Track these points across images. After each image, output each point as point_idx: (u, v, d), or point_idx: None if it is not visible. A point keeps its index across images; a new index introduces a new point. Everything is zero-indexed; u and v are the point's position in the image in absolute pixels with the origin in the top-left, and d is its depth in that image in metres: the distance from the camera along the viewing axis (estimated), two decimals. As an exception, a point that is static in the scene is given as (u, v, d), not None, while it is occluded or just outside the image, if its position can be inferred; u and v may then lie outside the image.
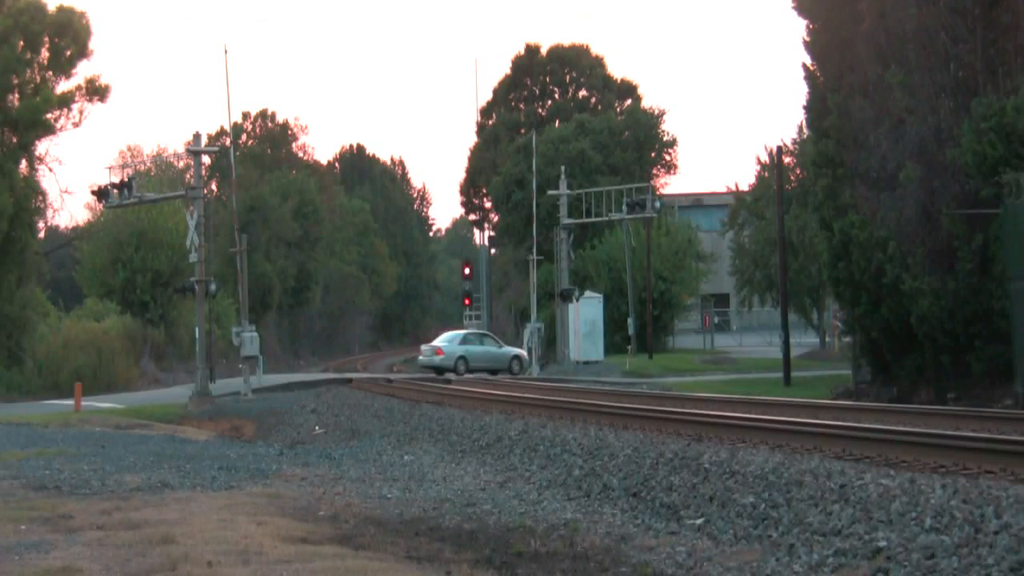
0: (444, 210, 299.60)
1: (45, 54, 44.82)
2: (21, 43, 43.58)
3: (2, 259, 43.34)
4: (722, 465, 11.73)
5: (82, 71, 45.66)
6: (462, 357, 35.85)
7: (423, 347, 40.54)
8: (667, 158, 69.77)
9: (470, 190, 79.56)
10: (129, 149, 72.49)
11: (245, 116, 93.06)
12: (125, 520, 11.12)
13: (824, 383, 31.93)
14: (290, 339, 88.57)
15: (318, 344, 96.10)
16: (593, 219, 45.48)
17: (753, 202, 57.03)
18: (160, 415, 28.12)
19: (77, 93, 45.01)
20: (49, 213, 48.73)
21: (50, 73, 44.86)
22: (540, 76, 76.50)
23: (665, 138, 69.27)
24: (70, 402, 31.86)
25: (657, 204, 43.65)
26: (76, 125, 45.26)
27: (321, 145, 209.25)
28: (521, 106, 76.56)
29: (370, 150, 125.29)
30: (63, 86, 45.13)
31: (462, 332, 40.64)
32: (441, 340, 39.67)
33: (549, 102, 75.99)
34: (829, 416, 16.85)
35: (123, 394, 39.91)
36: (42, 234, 55.25)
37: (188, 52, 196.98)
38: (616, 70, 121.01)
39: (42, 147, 45.75)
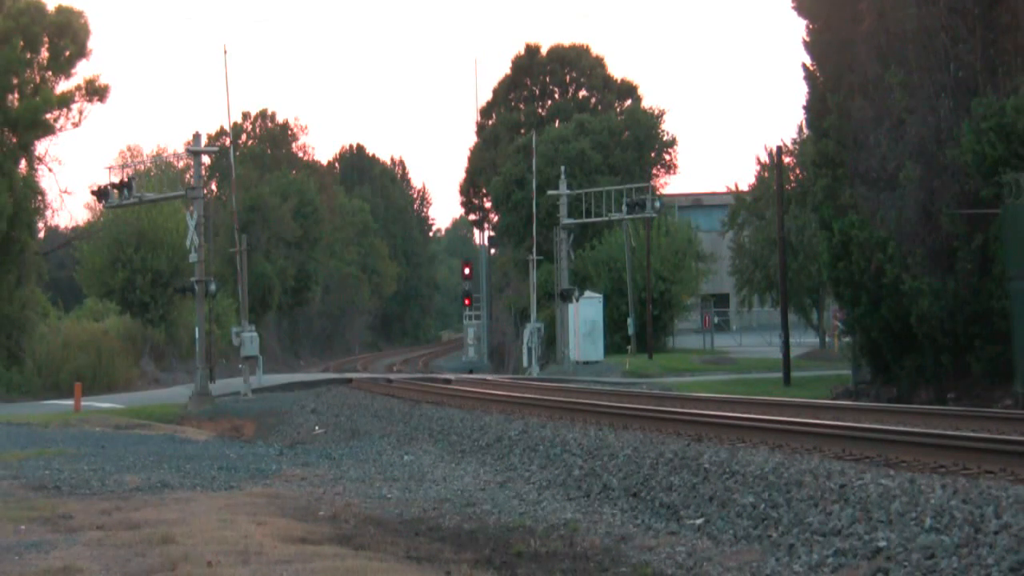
0: (444, 210, 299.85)
1: (45, 54, 44.87)
2: (21, 43, 43.62)
3: (1, 259, 43.34)
4: (722, 465, 11.73)
5: (81, 71, 45.83)
6: None
7: None
8: (667, 158, 69.70)
9: (470, 190, 79.51)
10: (129, 149, 72.52)
11: (245, 116, 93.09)
12: (125, 520, 11.11)
13: (824, 383, 31.89)
14: (290, 339, 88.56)
15: (318, 344, 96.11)
16: (593, 219, 45.47)
17: (753, 202, 56.95)
18: (160, 415, 28.11)
19: (77, 93, 45.05)
20: (48, 213, 48.78)
21: (50, 73, 44.90)
22: (540, 76, 76.42)
23: (665, 138, 69.19)
24: (70, 402, 31.86)
25: (657, 204, 43.64)
26: (76, 125, 45.34)
27: (321, 145, 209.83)
28: (521, 106, 76.47)
29: (370, 150, 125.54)
30: (63, 86, 45.23)
31: None
32: None
33: (549, 102, 75.91)
34: (829, 416, 16.85)
35: (123, 394, 39.91)
36: (42, 234, 55.24)
37: (188, 52, 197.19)
38: (616, 70, 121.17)
39: (42, 147, 45.85)
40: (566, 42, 78.26)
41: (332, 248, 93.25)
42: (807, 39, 30.08)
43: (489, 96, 79.55)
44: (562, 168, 47.20)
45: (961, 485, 9.36)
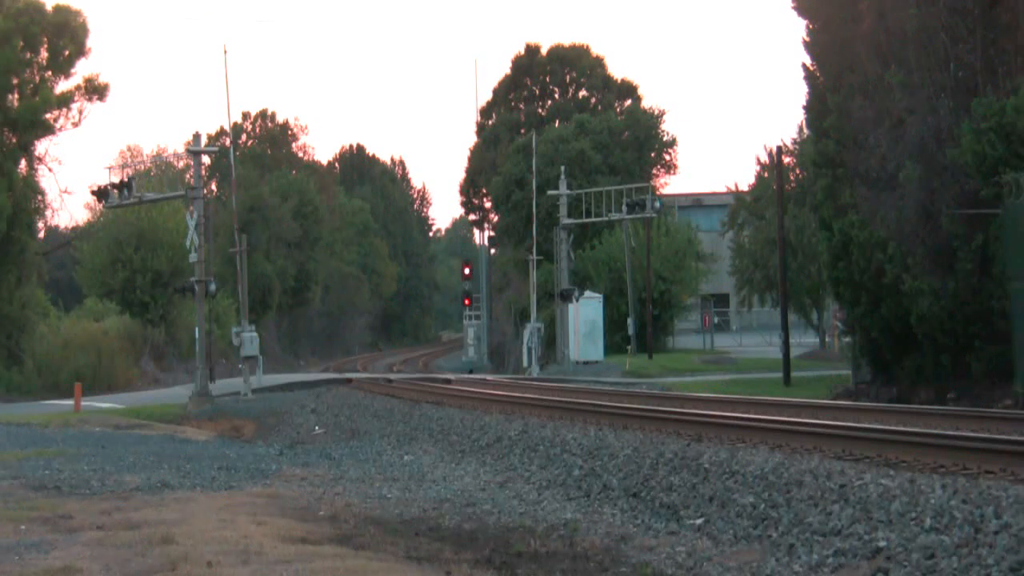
0: (444, 210, 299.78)
1: (44, 54, 44.87)
2: (20, 43, 43.63)
3: (1, 259, 43.35)
4: (722, 465, 11.72)
5: (81, 70, 45.84)
6: None
7: None
8: (667, 158, 69.74)
9: (470, 190, 79.50)
10: (129, 149, 72.66)
11: (245, 116, 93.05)
12: (125, 520, 11.11)
13: (824, 383, 31.88)
14: (290, 339, 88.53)
15: (318, 344, 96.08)
16: (593, 219, 45.47)
17: (753, 202, 56.99)
18: (160, 415, 28.10)
19: (76, 93, 45.06)
20: (48, 213, 48.81)
21: (49, 73, 44.91)
22: (540, 76, 76.43)
23: (665, 138, 69.23)
24: (70, 402, 31.86)
25: (657, 204, 43.64)
26: (75, 125, 45.35)
27: (321, 145, 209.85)
28: (521, 106, 76.48)
29: (370, 150, 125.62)
30: (62, 86, 45.24)
31: None
32: None
33: (549, 102, 75.91)
34: (829, 416, 16.84)
35: (123, 394, 39.91)
36: (42, 234, 55.29)
37: (188, 52, 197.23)
38: (616, 70, 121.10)
39: (41, 147, 45.87)
40: (566, 42, 78.28)
41: (332, 248, 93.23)
42: (807, 39, 30.07)
43: (489, 96, 79.64)
44: (562, 168, 47.20)
45: (961, 485, 9.36)
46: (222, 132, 77.53)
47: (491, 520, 11.54)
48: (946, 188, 24.71)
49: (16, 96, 44.06)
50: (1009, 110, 22.97)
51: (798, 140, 51.12)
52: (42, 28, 44.27)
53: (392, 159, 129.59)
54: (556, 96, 76.06)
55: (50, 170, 47.43)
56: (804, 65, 30.24)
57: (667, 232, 58.49)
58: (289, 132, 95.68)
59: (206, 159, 37.77)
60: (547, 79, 76.30)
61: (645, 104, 72.82)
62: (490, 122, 77.94)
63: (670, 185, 71.96)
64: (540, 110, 75.41)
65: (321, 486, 14.08)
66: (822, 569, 8.50)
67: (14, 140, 44.02)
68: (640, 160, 65.38)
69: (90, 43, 45.46)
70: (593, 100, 74.78)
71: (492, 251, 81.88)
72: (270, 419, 26.89)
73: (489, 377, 42.74)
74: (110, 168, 35.35)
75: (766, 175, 55.33)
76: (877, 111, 26.63)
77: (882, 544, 8.47)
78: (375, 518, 11.61)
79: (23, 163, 45.22)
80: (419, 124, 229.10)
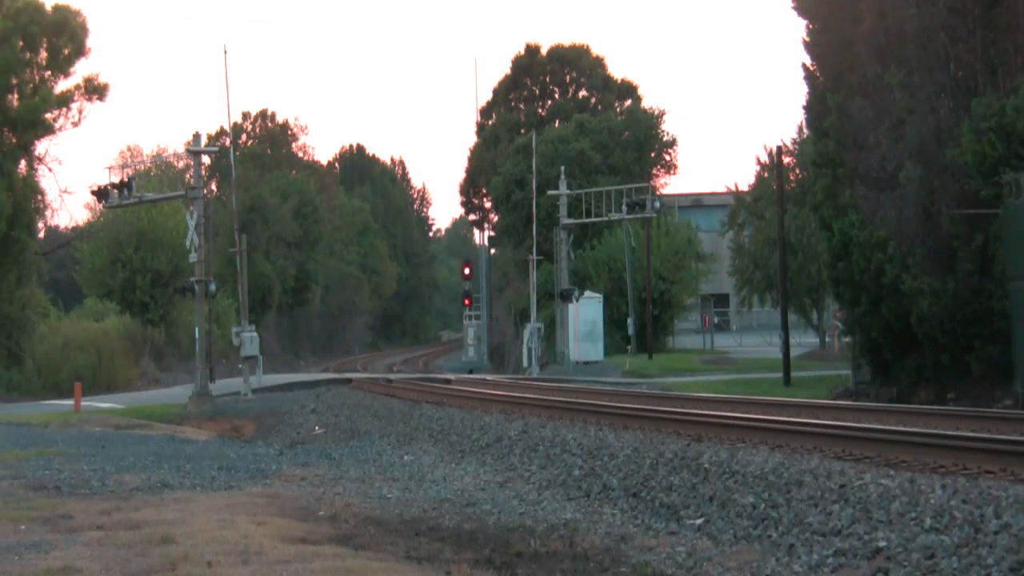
0: (444, 210, 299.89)
1: (43, 54, 44.87)
2: (20, 43, 43.62)
3: (1, 259, 43.35)
4: (722, 465, 11.72)
5: (80, 70, 45.84)
6: None
7: None
8: (667, 158, 69.72)
9: (470, 190, 79.51)
10: (129, 149, 72.67)
11: (245, 116, 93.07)
12: (125, 520, 11.11)
13: (824, 383, 31.88)
14: (290, 339, 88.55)
15: (318, 344, 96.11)
16: (593, 219, 45.50)
17: (753, 202, 56.97)
18: (160, 415, 28.11)
19: (76, 92, 45.06)
20: (48, 213, 48.81)
21: (49, 73, 44.92)
22: (540, 76, 76.44)
23: (665, 138, 69.22)
24: (70, 402, 31.86)
25: (657, 204, 43.68)
26: (75, 125, 45.35)
27: (321, 145, 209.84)
28: (521, 106, 76.48)
29: (370, 150, 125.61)
30: (62, 85, 45.25)
31: None
32: None
33: (549, 102, 75.91)
34: (829, 416, 16.84)
35: (123, 394, 39.92)
36: (42, 234, 55.28)
37: (188, 52, 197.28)
38: (616, 70, 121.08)
39: (41, 147, 45.87)
40: (566, 42, 78.31)
41: (332, 248, 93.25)
42: (807, 39, 30.08)
43: (489, 96, 79.65)
44: (562, 168, 47.21)
45: (961, 485, 9.36)
46: (222, 132, 77.57)
47: (491, 520, 11.54)
48: (946, 188, 24.72)
49: (16, 96, 44.06)
50: (1009, 110, 22.97)
51: (798, 140, 51.09)
52: (41, 28, 44.25)
53: (392, 159, 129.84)
54: (556, 96, 76.07)
55: (50, 170, 47.49)
56: (804, 65, 30.25)
57: (667, 232, 58.48)
58: (289, 132, 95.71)
59: (206, 159, 37.78)
60: (547, 79, 76.30)
61: (645, 104, 72.90)
62: (490, 122, 77.94)
63: (670, 185, 72.06)
64: (540, 110, 75.41)
65: (321, 486, 14.08)
66: (822, 569, 8.50)
67: (14, 140, 44.01)
68: (640, 160, 65.37)
69: (90, 43, 45.55)
70: (593, 100, 74.78)
71: (492, 251, 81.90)
72: (270, 419, 26.89)
73: (489, 377, 42.76)
74: (110, 168, 35.39)
75: (766, 175, 55.29)
76: (877, 111, 26.63)
77: (882, 544, 8.47)
78: (375, 518, 11.60)
79: (23, 163, 45.22)
80: (419, 124, 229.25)
